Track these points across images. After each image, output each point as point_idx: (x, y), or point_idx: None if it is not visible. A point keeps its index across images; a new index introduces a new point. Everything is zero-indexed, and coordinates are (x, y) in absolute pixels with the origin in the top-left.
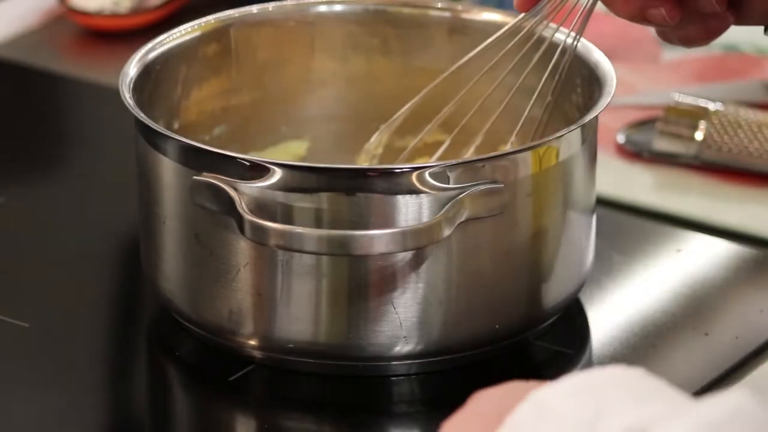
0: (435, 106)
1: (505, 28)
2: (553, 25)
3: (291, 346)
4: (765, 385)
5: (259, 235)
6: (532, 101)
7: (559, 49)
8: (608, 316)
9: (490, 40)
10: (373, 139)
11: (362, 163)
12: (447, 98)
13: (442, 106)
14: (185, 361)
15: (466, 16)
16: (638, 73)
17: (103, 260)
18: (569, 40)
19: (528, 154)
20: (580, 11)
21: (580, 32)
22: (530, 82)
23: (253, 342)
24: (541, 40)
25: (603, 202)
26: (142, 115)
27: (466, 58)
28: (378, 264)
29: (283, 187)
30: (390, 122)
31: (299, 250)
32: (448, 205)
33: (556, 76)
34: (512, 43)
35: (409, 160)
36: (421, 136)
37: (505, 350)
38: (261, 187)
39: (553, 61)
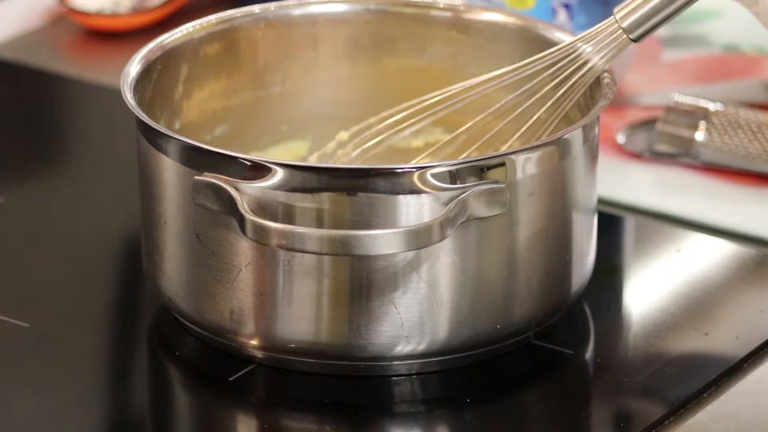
0: (433, 107)
1: (554, 49)
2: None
3: (292, 345)
4: (765, 385)
5: (261, 235)
6: (543, 109)
7: (588, 67)
8: (608, 316)
9: (527, 61)
10: (333, 144)
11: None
12: (446, 100)
13: (442, 108)
14: (186, 361)
15: (467, 15)
16: (638, 73)
17: (104, 260)
18: (599, 61)
19: (529, 154)
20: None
21: (612, 58)
22: (540, 87)
23: (254, 342)
24: (575, 60)
25: (603, 202)
26: (143, 114)
27: (500, 71)
28: (379, 264)
29: (284, 186)
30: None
31: (301, 250)
32: (450, 205)
33: (576, 90)
34: (547, 61)
35: (409, 160)
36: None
37: (506, 350)
38: (262, 186)
39: (577, 76)
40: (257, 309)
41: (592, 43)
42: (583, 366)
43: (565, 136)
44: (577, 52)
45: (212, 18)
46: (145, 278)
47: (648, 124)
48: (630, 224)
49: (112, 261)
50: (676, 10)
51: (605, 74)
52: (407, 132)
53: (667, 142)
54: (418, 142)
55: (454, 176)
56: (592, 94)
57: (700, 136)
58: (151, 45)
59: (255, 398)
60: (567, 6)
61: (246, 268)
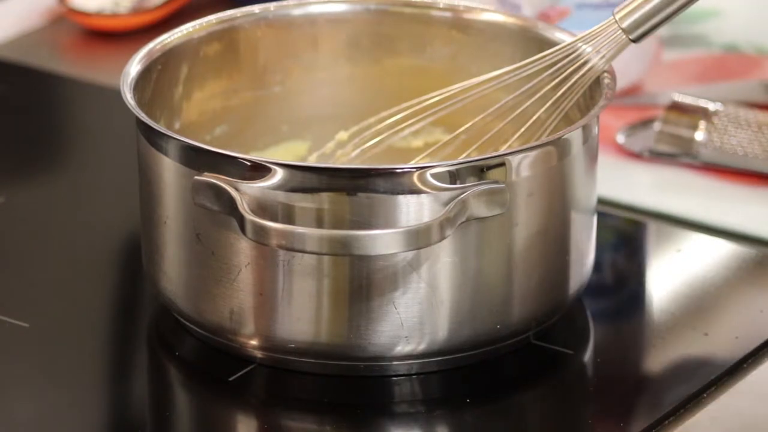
0: (433, 107)
1: (555, 49)
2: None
3: (292, 345)
4: (765, 385)
5: (261, 235)
6: (542, 108)
7: (587, 67)
8: (608, 316)
9: (529, 60)
10: (332, 144)
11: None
12: (446, 100)
13: (441, 108)
14: (185, 361)
15: (467, 15)
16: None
17: (103, 260)
18: (598, 61)
19: (529, 154)
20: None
21: (611, 58)
22: (540, 87)
23: (254, 342)
24: (575, 59)
25: (603, 202)
26: (143, 114)
27: (500, 71)
28: (379, 264)
29: (284, 187)
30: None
31: (300, 250)
32: (450, 205)
33: (576, 90)
34: (548, 60)
35: (409, 160)
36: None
37: (506, 350)
38: (262, 187)
39: (577, 76)
40: (257, 309)
41: (591, 43)
42: (583, 366)
43: (565, 136)
44: (577, 52)
45: (212, 18)
46: (145, 278)
47: (648, 124)
48: (630, 224)
49: (112, 261)
50: (676, 10)
51: (605, 74)
52: (407, 132)
53: (667, 142)
54: (418, 142)
55: (454, 176)
56: (592, 94)
57: (700, 136)
58: (151, 45)
59: (255, 398)
60: None
61: (246, 268)
